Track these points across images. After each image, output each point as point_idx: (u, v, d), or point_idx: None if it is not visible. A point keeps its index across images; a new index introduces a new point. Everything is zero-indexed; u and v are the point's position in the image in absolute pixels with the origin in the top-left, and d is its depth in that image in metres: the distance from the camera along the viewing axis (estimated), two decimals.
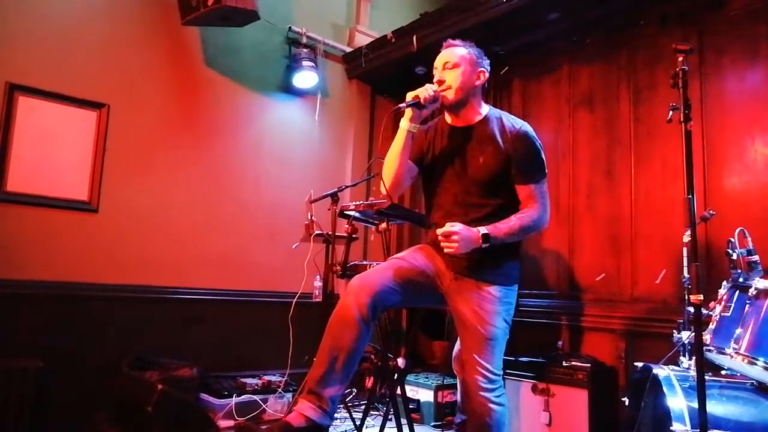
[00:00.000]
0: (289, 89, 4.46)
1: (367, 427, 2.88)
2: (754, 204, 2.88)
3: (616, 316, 3.29)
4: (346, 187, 3.42)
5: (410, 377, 3.70)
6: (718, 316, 2.13)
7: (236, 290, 4.05)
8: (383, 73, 4.75)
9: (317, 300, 3.48)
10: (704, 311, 2.11)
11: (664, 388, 2.05)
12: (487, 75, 2.23)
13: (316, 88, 4.53)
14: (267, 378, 3.68)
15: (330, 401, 1.91)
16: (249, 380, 3.60)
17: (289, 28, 4.46)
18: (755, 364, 1.90)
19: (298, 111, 4.57)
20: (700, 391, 1.68)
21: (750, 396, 2.05)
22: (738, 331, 1.98)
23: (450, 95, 2.16)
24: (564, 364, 3.05)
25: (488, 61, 2.26)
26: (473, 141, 2.17)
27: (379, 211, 2.76)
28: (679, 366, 2.29)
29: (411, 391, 3.61)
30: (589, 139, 3.65)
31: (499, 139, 2.14)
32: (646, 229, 3.28)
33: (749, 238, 2.19)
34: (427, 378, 3.75)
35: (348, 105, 4.91)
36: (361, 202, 2.88)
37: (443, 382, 3.66)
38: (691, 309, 1.78)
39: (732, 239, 2.18)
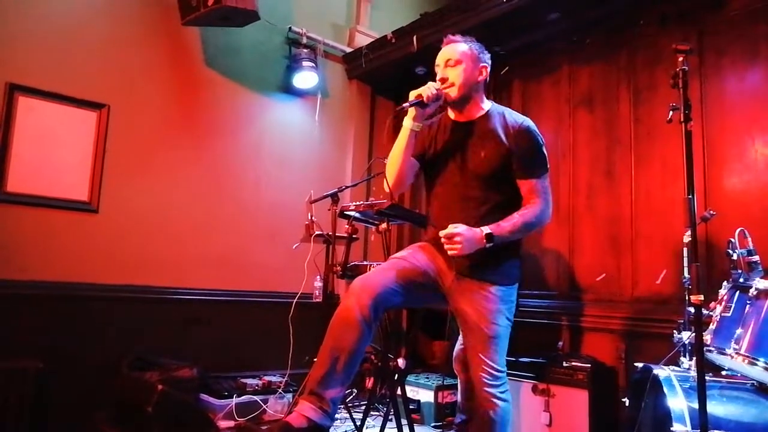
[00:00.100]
0: (289, 89, 4.46)
1: (367, 428, 2.88)
2: (754, 204, 2.88)
3: (616, 317, 3.29)
4: (347, 187, 3.42)
5: (410, 378, 3.70)
6: (719, 317, 2.13)
7: (236, 291, 4.05)
8: (383, 73, 4.75)
9: (317, 300, 3.47)
10: (705, 311, 2.11)
11: (665, 389, 2.05)
12: (488, 70, 2.24)
13: (316, 88, 4.53)
14: (267, 378, 3.68)
15: (331, 402, 1.91)
16: (249, 381, 3.60)
17: (289, 28, 4.46)
18: (756, 364, 1.90)
19: (298, 111, 4.57)
20: (700, 391, 1.68)
21: (750, 396, 2.05)
22: (738, 331, 1.98)
23: (453, 93, 2.17)
24: (564, 364, 3.05)
25: (489, 55, 2.26)
26: (475, 136, 2.18)
27: (379, 211, 2.76)
28: (679, 366, 2.29)
29: (411, 392, 3.61)
30: (589, 139, 3.65)
31: (502, 134, 2.14)
32: (646, 229, 3.28)
33: (749, 239, 2.19)
34: (427, 378, 3.75)
35: (348, 105, 4.91)
36: (362, 202, 2.88)
37: (443, 382, 3.66)
38: (692, 309, 1.78)
39: (732, 239, 2.18)
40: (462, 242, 1.96)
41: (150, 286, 3.67)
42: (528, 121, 2.19)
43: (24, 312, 3.18)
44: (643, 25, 3.44)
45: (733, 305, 2.08)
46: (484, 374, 2.03)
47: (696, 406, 1.72)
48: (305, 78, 4.39)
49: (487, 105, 2.25)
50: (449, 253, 2.00)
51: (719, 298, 2.18)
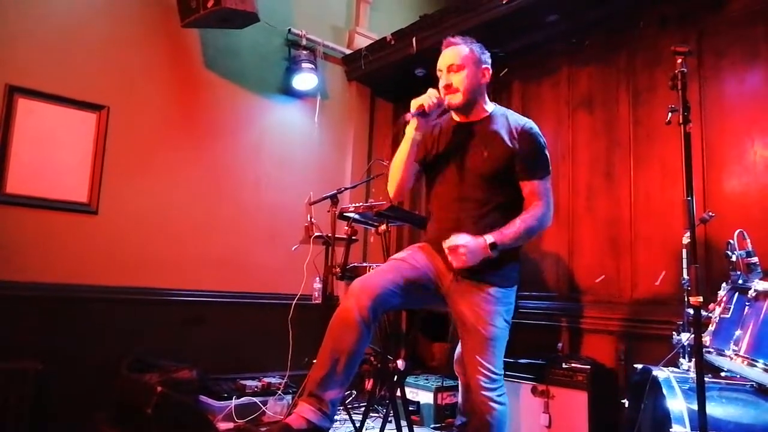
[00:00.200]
0: (288, 91, 4.47)
1: (366, 429, 2.88)
2: (753, 206, 2.88)
3: (615, 318, 3.29)
4: (346, 188, 3.43)
5: (410, 379, 3.70)
6: (718, 318, 2.13)
7: (236, 292, 4.05)
8: (383, 74, 4.76)
9: (317, 302, 3.48)
10: (704, 313, 2.11)
11: (664, 390, 2.05)
12: (491, 71, 2.24)
13: (316, 89, 4.54)
14: (267, 380, 3.68)
15: (330, 404, 1.91)
16: (248, 382, 3.60)
17: (289, 30, 4.47)
18: (755, 365, 1.91)
19: (297, 113, 4.57)
20: (699, 392, 1.68)
21: (750, 398, 2.05)
22: (737, 332, 1.99)
23: (458, 99, 2.17)
24: (564, 365, 3.05)
25: (489, 55, 2.26)
26: (478, 137, 2.18)
27: (378, 212, 2.76)
28: (678, 368, 2.29)
29: (411, 393, 3.61)
30: (589, 140, 3.65)
31: (505, 135, 2.14)
32: (645, 230, 3.29)
33: (748, 240, 2.20)
34: (426, 380, 3.75)
35: (348, 107, 4.91)
36: (361, 203, 2.88)
37: (443, 384, 3.66)
38: (691, 311, 1.78)
39: (731, 241, 2.19)
40: (466, 253, 1.96)
41: (149, 287, 3.67)
42: (531, 123, 2.20)
43: (24, 313, 3.18)
44: (642, 26, 3.44)
45: (732, 306, 2.09)
46: (480, 377, 2.02)
47: (695, 407, 1.72)
48: (305, 79, 4.40)
49: (490, 107, 2.25)
50: (454, 265, 1.99)
51: (718, 299, 2.18)
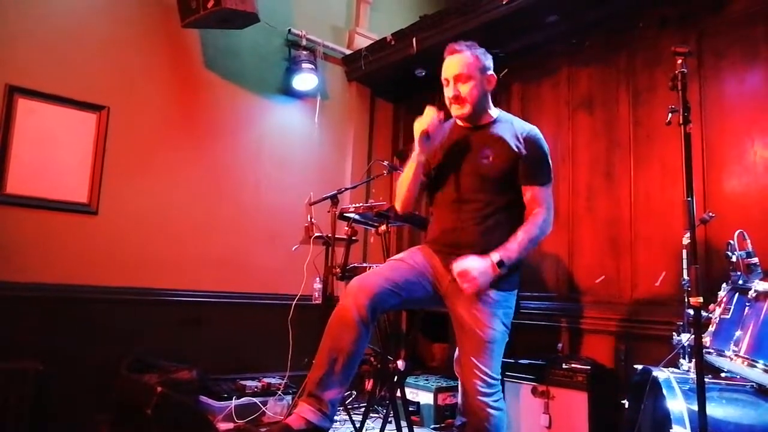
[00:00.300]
0: (288, 91, 4.47)
1: (366, 430, 2.88)
2: (753, 206, 2.88)
3: (615, 319, 3.29)
4: (346, 189, 3.43)
5: (410, 379, 3.70)
6: (718, 319, 2.13)
7: (236, 292, 4.05)
8: (383, 75, 4.76)
9: (317, 302, 3.48)
10: (704, 313, 2.11)
11: (664, 391, 2.05)
12: (495, 77, 2.24)
13: (316, 90, 4.54)
14: (267, 380, 3.68)
15: (330, 404, 1.91)
16: (248, 383, 3.60)
17: (289, 30, 4.47)
18: (755, 366, 1.91)
19: (297, 113, 4.57)
20: (699, 393, 1.68)
21: (750, 398, 2.05)
22: (738, 333, 1.99)
23: (466, 110, 2.17)
24: (564, 366, 3.05)
25: (491, 59, 2.25)
26: (483, 140, 2.18)
27: (378, 213, 2.76)
28: (678, 368, 2.29)
29: (411, 394, 3.61)
30: (589, 141, 3.65)
31: (510, 140, 2.15)
32: (645, 231, 3.29)
33: (748, 241, 2.20)
34: (427, 380, 3.75)
35: (348, 107, 4.91)
36: (361, 204, 2.88)
37: (443, 384, 3.66)
38: (691, 311, 1.78)
39: (731, 241, 2.19)
40: (477, 276, 1.94)
41: (149, 287, 3.67)
42: (536, 130, 2.21)
43: (24, 313, 3.18)
44: (642, 27, 3.45)
45: (733, 307, 2.09)
46: (477, 381, 2.00)
47: (695, 408, 1.72)
48: (305, 80, 4.40)
49: (495, 112, 2.26)
50: (467, 291, 1.97)
51: (718, 300, 2.18)
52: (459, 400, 2.98)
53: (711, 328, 2.13)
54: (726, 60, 3.09)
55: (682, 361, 2.33)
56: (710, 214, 2.50)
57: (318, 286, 3.45)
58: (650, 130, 3.33)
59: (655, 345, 2.93)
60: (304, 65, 4.34)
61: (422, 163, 2.17)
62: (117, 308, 3.50)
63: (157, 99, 3.82)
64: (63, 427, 3.11)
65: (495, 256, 2.00)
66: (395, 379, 2.69)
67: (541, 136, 2.20)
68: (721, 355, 2.02)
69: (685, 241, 2.27)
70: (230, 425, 3.32)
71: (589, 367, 2.99)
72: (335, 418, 2.30)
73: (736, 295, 2.10)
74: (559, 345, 3.44)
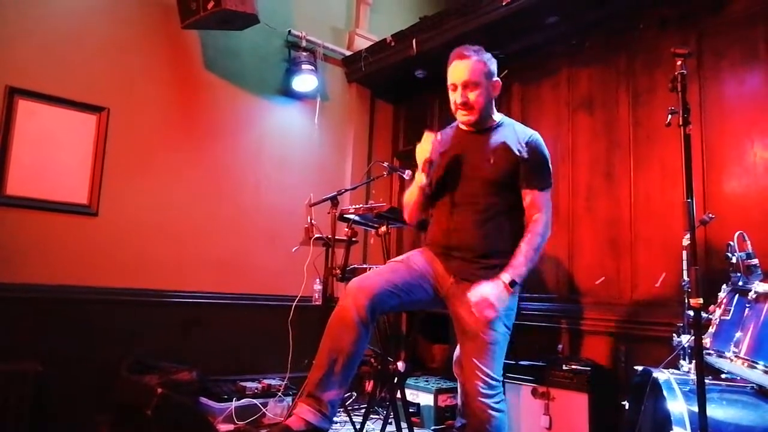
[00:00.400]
0: (288, 92, 4.47)
1: (367, 431, 2.88)
2: (753, 207, 2.88)
3: (615, 320, 3.29)
4: (346, 190, 3.43)
5: (410, 381, 3.70)
6: (718, 320, 2.13)
7: (236, 293, 4.05)
8: (383, 76, 4.76)
9: (317, 303, 3.48)
10: (704, 315, 2.11)
11: (664, 392, 2.05)
12: (500, 83, 2.24)
13: (316, 91, 4.54)
14: (267, 382, 3.67)
15: (329, 405, 1.91)
16: (249, 384, 3.60)
17: (289, 31, 4.47)
18: (755, 367, 1.91)
19: (297, 114, 4.57)
20: (700, 394, 1.68)
21: (750, 400, 2.05)
22: (738, 334, 1.99)
23: (473, 117, 2.19)
24: (564, 367, 3.04)
25: (496, 63, 2.26)
26: (485, 144, 2.19)
27: (378, 214, 2.76)
28: (679, 369, 2.28)
29: (411, 395, 3.61)
30: (589, 142, 3.65)
31: (512, 144, 2.16)
32: (645, 232, 3.29)
33: (748, 242, 2.20)
34: (427, 381, 3.75)
35: (348, 108, 4.92)
36: (361, 205, 2.88)
37: (443, 385, 3.66)
38: (691, 312, 1.78)
39: (731, 243, 2.19)
40: (495, 302, 1.95)
41: (149, 289, 3.67)
42: (538, 135, 2.23)
43: (24, 315, 3.18)
44: (642, 28, 3.45)
45: (733, 308, 2.09)
46: (478, 382, 2.01)
47: (696, 409, 1.72)
48: (305, 81, 4.40)
49: (498, 116, 2.27)
50: (486, 318, 1.97)
51: (718, 301, 2.18)
52: (459, 401, 2.98)
53: (711, 330, 2.14)
54: (726, 61, 3.09)
55: (682, 362, 2.33)
56: (710, 215, 2.50)
57: (318, 287, 3.45)
58: (650, 131, 3.33)
59: (655, 346, 2.93)
60: (304, 66, 4.34)
61: (427, 184, 2.20)
62: (117, 309, 3.50)
63: (157, 100, 3.82)
64: (63, 428, 3.11)
65: (506, 276, 2.02)
66: (395, 381, 2.69)
67: (542, 141, 2.22)
68: (722, 357, 2.02)
69: (685, 242, 2.26)
70: (230, 426, 3.32)
71: (589, 369, 2.99)
72: (335, 419, 2.30)
73: (736, 296, 2.10)
74: (560, 346, 3.44)
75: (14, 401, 2.74)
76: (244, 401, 3.45)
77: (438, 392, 3.59)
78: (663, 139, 3.22)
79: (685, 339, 2.32)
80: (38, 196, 3.32)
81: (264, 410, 3.50)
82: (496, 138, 2.19)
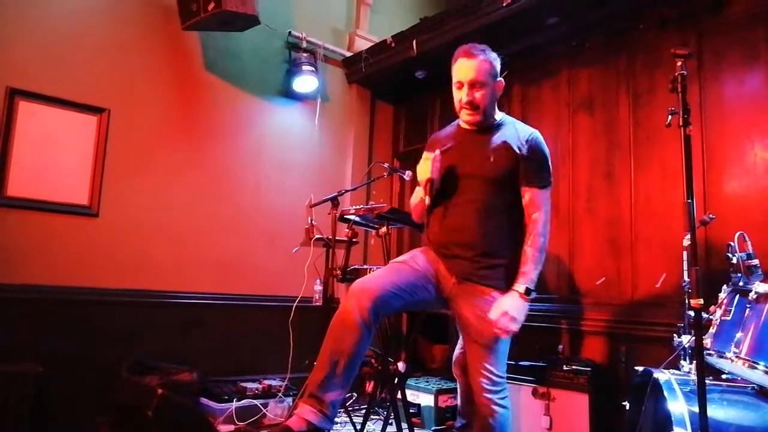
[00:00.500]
0: (289, 93, 4.47)
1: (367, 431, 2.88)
2: (753, 208, 2.88)
3: (616, 320, 3.29)
4: (346, 191, 3.43)
5: (411, 381, 3.70)
6: (719, 320, 2.13)
7: (236, 294, 4.05)
8: (383, 77, 4.77)
9: (317, 304, 3.48)
10: (704, 315, 2.11)
11: (665, 393, 2.05)
12: (503, 83, 2.24)
13: (316, 92, 4.54)
14: (267, 382, 3.67)
15: (331, 405, 1.91)
16: (249, 384, 3.60)
17: (289, 32, 4.47)
18: (756, 368, 1.91)
19: (298, 115, 4.58)
20: (700, 395, 1.68)
21: (751, 400, 2.05)
22: (738, 335, 1.99)
23: (478, 117, 2.18)
24: (564, 368, 3.05)
25: (500, 62, 2.26)
26: (486, 143, 2.19)
27: (379, 215, 2.76)
28: (679, 370, 2.29)
29: (411, 396, 3.61)
30: (589, 142, 3.65)
31: (512, 142, 2.16)
32: (646, 232, 3.29)
33: (749, 242, 2.20)
34: (427, 382, 3.75)
35: (348, 109, 4.92)
36: (361, 206, 2.88)
37: (444, 386, 3.66)
38: (692, 313, 1.78)
39: (732, 243, 2.19)
40: (516, 315, 1.99)
41: (150, 289, 3.67)
42: (538, 133, 2.23)
43: (24, 315, 3.18)
44: (642, 28, 3.45)
45: (733, 309, 2.09)
46: (483, 380, 2.03)
47: (696, 409, 1.72)
48: (305, 82, 4.40)
49: (499, 115, 2.27)
50: (509, 331, 2.01)
51: (719, 301, 2.19)
52: (459, 401, 2.99)
53: (712, 330, 2.14)
54: (726, 61, 3.09)
55: (682, 362, 2.33)
56: (710, 215, 2.50)
57: (318, 288, 3.45)
58: (650, 132, 3.33)
59: (655, 346, 2.93)
60: (305, 67, 4.34)
61: (429, 203, 2.21)
62: (117, 310, 3.50)
63: (158, 101, 3.83)
64: (63, 428, 3.11)
65: (519, 287, 2.04)
66: (396, 381, 2.69)
67: (542, 139, 2.22)
68: (722, 357, 2.02)
69: (686, 242, 2.27)
70: (231, 427, 3.32)
71: (589, 369, 2.99)
72: (336, 419, 2.30)
73: (737, 296, 2.10)
74: (560, 346, 3.44)
75: (14, 401, 2.74)
76: (245, 402, 3.45)
77: (438, 393, 3.59)
78: (663, 139, 3.22)
79: (686, 339, 2.32)
80: (39, 197, 3.32)
81: (264, 411, 3.50)
82: (497, 137, 2.19)
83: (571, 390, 2.98)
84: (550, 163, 2.21)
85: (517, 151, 2.14)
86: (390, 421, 2.67)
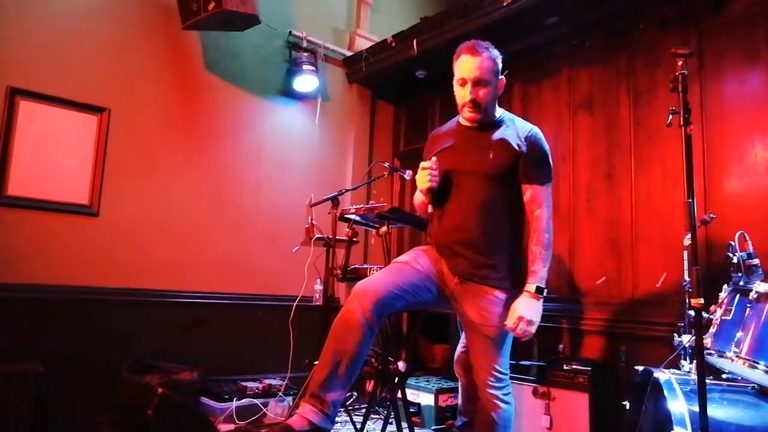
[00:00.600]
0: (289, 93, 4.47)
1: (367, 431, 2.88)
2: (754, 207, 2.88)
3: (616, 320, 3.29)
4: (347, 190, 3.42)
5: (411, 381, 3.70)
6: (719, 320, 2.13)
7: (237, 294, 4.05)
8: (383, 77, 4.77)
9: (318, 304, 3.48)
10: (705, 315, 2.11)
11: (665, 392, 2.05)
12: (505, 81, 2.24)
13: (317, 91, 4.54)
14: (267, 382, 3.68)
15: (332, 405, 1.91)
16: (249, 384, 3.60)
17: (290, 32, 4.47)
18: (756, 367, 1.91)
19: (298, 115, 4.58)
20: (701, 394, 1.68)
21: (751, 400, 2.05)
22: (739, 334, 1.99)
23: (480, 114, 2.18)
24: (565, 367, 3.05)
25: (501, 58, 2.25)
26: (485, 140, 2.19)
27: (379, 214, 2.76)
28: (680, 369, 2.29)
29: (411, 395, 3.61)
30: (589, 142, 3.65)
31: (512, 139, 2.16)
32: (646, 232, 3.29)
33: (749, 242, 2.20)
34: (427, 381, 3.75)
35: (348, 109, 4.92)
36: (362, 205, 2.88)
37: (444, 385, 3.66)
38: (692, 312, 1.78)
39: (732, 243, 2.19)
40: (533, 318, 2.01)
41: (150, 289, 3.67)
42: (537, 129, 2.22)
43: (24, 315, 3.18)
44: (642, 28, 3.45)
45: (734, 308, 2.09)
46: (487, 375, 2.07)
47: (696, 409, 1.72)
48: (305, 81, 4.40)
49: (498, 112, 2.27)
50: (530, 333, 2.02)
51: (719, 301, 2.19)
52: (459, 400, 2.99)
53: (712, 330, 2.14)
54: (726, 61, 3.09)
55: (683, 362, 2.33)
56: (711, 215, 2.51)
57: (319, 287, 3.45)
58: (651, 132, 3.33)
59: (656, 346, 2.93)
60: (305, 67, 4.34)
61: (431, 211, 2.24)
62: (118, 309, 3.50)
63: (158, 101, 3.83)
64: (63, 428, 3.11)
65: (530, 286, 2.05)
66: (396, 381, 2.69)
67: (542, 136, 2.21)
68: (722, 357, 2.02)
69: (686, 242, 2.27)
70: (231, 426, 3.32)
71: (590, 368, 2.99)
72: (336, 419, 2.30)
73: (737, 296, 2.10)
74: (560, 346, 3.44)
75: (15, 401, 2.74)
76: (245, 401, 3.45)
77: (439, 392, 3.60)
78: (664, 139, 3.22)
79: (686, 339, 2.33)
80: (39, 196, 3.32)
81: (265, 410, 3.51)
82: (497, 133, 2.18)
83: (571, 389, 2.99)
84: (550, 160, 2.20)
85: (517, 147, 2.14)
86: (390, 421, 2.67)
